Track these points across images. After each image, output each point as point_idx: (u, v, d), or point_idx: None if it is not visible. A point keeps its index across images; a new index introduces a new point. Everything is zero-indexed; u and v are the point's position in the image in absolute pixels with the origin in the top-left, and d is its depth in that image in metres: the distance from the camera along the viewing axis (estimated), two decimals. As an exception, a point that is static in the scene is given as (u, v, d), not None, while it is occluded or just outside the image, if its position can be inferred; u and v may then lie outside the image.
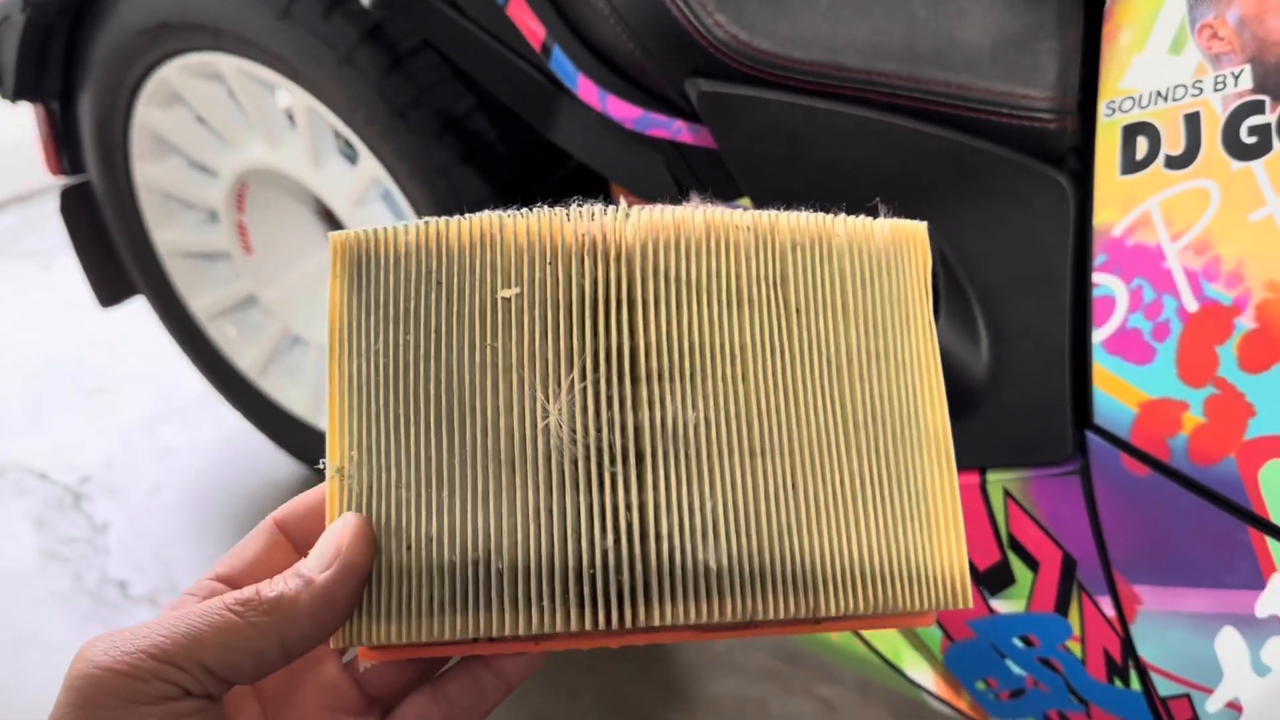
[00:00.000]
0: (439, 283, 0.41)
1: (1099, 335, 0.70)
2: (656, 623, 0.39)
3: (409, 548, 0.40)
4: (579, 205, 0.41)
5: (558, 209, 0.41)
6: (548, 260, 0.40)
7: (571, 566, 0.39)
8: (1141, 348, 0.68)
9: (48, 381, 1.87)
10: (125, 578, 1.50)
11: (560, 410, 0.39)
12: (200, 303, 1.52)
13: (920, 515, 0.43)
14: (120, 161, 1.40)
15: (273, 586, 0.38)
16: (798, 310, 0.42)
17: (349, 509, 0.41)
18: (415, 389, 0.40)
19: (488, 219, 0.41)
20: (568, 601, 0.39)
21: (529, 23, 0.88)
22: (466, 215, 0.41)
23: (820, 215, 0.43)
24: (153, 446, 1.72)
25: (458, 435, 0.40)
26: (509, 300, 0.40)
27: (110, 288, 1.55)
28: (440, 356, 0.40)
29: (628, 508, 0.39)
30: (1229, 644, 0.70)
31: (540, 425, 0.39)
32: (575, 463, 0.39)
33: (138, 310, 1.62)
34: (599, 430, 0.39)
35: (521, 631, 0.39)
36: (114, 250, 1.52)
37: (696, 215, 0.41)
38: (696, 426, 0.40)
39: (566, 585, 0.39)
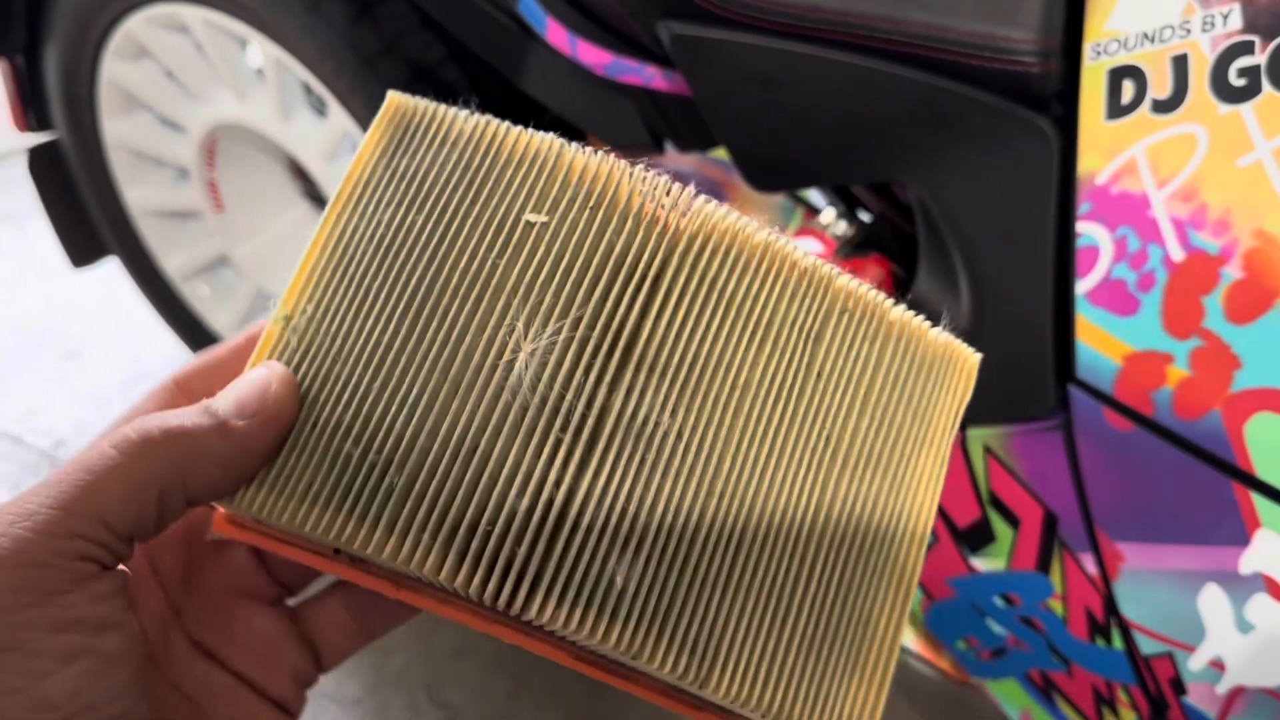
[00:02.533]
0: (471, 181, 0.38)
1: (1082, 286, 0.68)
2: (531, 616, 0.35)
3: (318, 426, 0.36)
4: (649, 168, 0.39)
5: (623, 160, 0.39)
6: (590, 204, 0.38)
7: (470, 513, 0.35)
8: (1126, 299, 0.66)
9: (20, 345, 1.84)
10: (100, 542, 1.48)
11: (534, 353, 0.36)
12: (173, 263, 1.49)
13: (853, 644, 0.39)
14: (88, 118, 1.37)
15: (176, 419, 0.33)
16: (819, 374, 0.39)
17: (280, 360, 0.37)
18: (399, 272, 0.38)
19: (548, 139, 0.39)
20: (447, 549, 0.35)
21: (497, -34, 0.85)
22: (529, 129, 0.39)
23: (880, 294, 0.41)
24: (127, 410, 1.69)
25: (418, 333, 0.37)
26: (532, 225, 0.38)
27: (82, 248, 1.51)
28: (439, 252, 0.38)
29: (557, 483, 0.35)
30: (1212, 601, 0.68)
31: (505, 359, 0.36)
32: (524, 411, 0.36)
33: (111, 271, 1.59)
34: (564, 392, 0.36)
35: (383, 557, 0.35)
36: (85, 210, 1.48)
37: (760, 233, 0.39)
38: (665, 436, 0.36)
39: (454, 530, 0.35)
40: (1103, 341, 0.68)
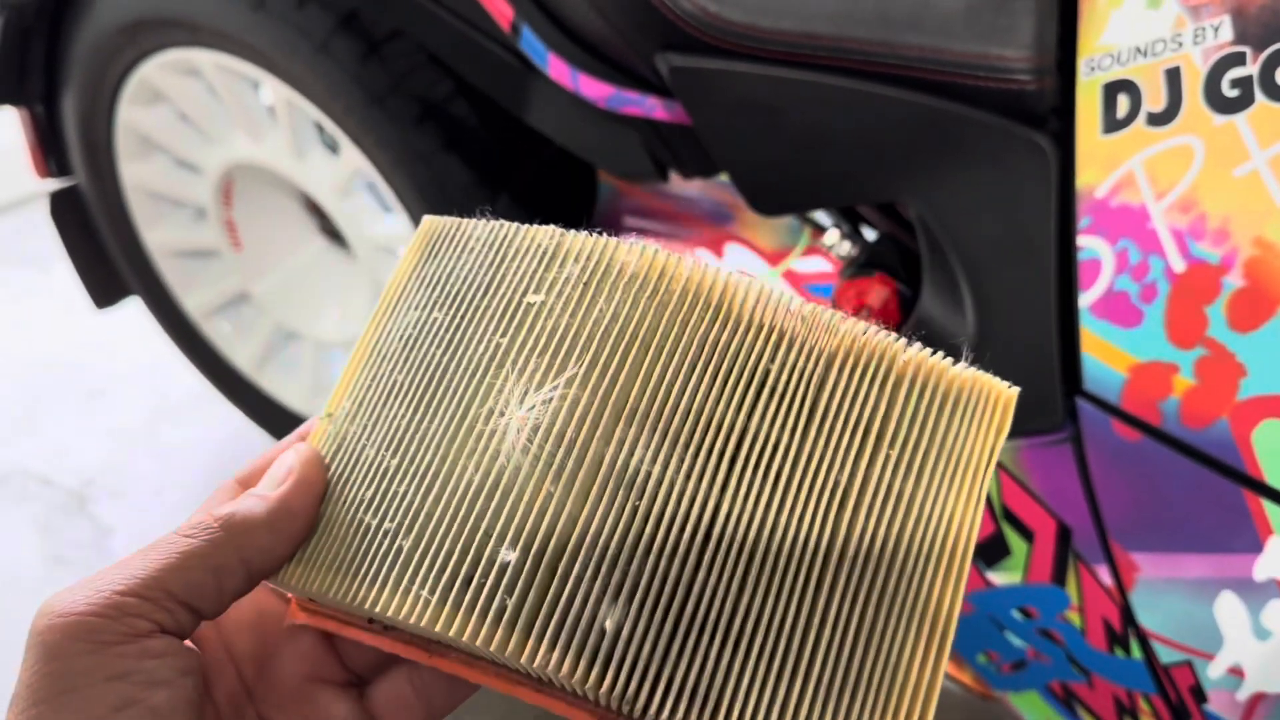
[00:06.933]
0: (483, 276, 0.42)
1: (1086, 299, 0.68)
2: (545, 671, 0.36)
3: (345, 503, 0.40)
4: (639, 238, 0.41)
5: (609, 236, 0.42)
6: (584, 280, 0.41)
7: (465, 568, 0.37)
8: (1129, 310, 0.67)
9: (48, 385, 1.87)
10: (131, 579, 1.49)
11: (527, 415, 0.39)
12: (193, 301, 1.51)
13: (880, 691, 0.37)
14: (106, 162, 1.39)
15: (224, 507, 0.39)
16: (821, 420, 0.39)
17: (319, 448, 0.42)
18: (421, 363, 0.42)
19: (546, 231, 0.42)
20: (444, 603, 0.37)
21: (497, 3, 0.86)
22: (535, 224, 0.43)
23: (890, 335, 0.40)
24: (155, 447, 1.72)
25: (431, 412, 0.40)
26: (532, 306, 0.41)
27: (104, 289, 1.54)
28: (453, 340, 0.41)
29: (548, 536, 0.37)
30: (1229, 609, 0.69)
31: (501, 425, 0.39)
32: (517, 470, 0.38)
33: (135, 309, 1.61)
34: (555, 449, 0.38)
35: (389, 615, 0.37)
36: (106, 252, 1.51)
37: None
38: (649, 480, 0.38)
39: (451, 584, 0.37)
40: (1108, 353, 0.68)
